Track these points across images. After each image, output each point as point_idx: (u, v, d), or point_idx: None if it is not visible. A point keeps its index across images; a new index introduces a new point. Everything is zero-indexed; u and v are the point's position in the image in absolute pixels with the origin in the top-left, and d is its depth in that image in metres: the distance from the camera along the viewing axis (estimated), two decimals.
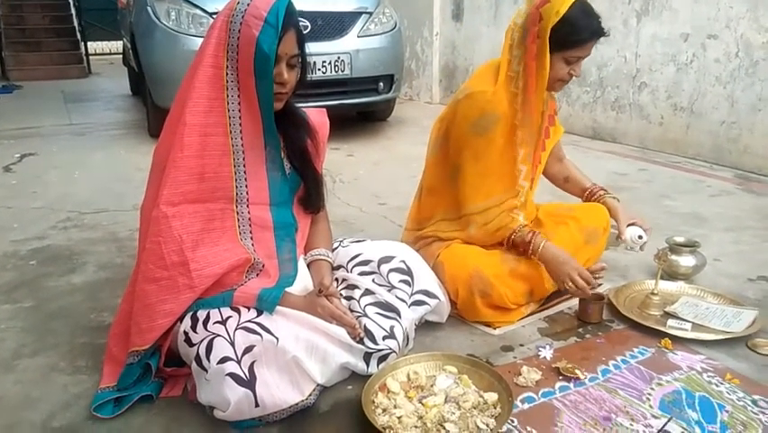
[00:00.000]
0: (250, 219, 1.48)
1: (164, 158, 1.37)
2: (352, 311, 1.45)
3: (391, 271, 1.56)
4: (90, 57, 9.60)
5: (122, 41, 7.19)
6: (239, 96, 1.38)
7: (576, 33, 1.58)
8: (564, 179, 2.04)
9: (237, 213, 1.46)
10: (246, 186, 1.46)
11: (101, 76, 9.04)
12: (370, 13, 4.36)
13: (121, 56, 7.66)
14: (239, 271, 1.42)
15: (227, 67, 1.35)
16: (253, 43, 1.30)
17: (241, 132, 1.41)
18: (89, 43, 9.96)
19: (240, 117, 1.40)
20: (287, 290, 1.43)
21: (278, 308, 1.36)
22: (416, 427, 1.24)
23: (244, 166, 1.44)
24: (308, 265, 1.58)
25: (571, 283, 1.64)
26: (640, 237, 1.84)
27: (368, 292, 1.51)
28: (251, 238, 1.48)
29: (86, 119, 5.42)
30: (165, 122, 1.43)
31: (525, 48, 1.63)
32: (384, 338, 1.42)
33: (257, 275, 1.45)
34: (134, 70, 5.49)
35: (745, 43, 3.38)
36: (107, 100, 6.64)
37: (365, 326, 1.42)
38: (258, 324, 1.30)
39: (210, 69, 1.35)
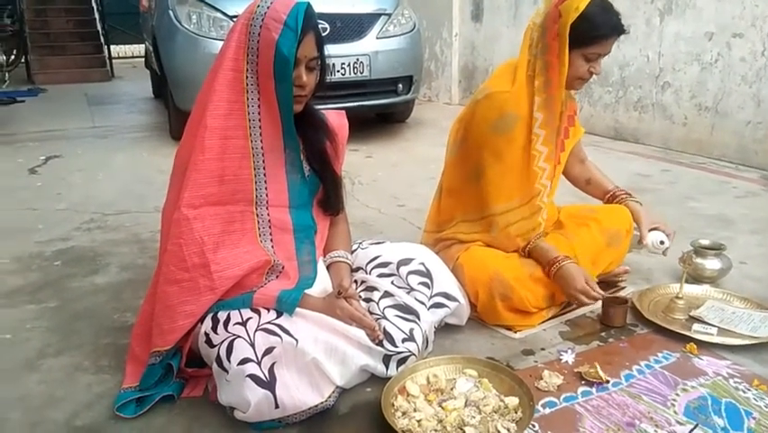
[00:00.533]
0: (269, 221, 1.48)
1: (185, 161, 1.38)
2: (371, 313, 1.45)
3: (410, 273, 1.56)
4: (113, 60, 9.74)
5: (144, 45, 7.29)
6: (258, 99, 1.39)
7: (595, 29, 1.57)
8: (586, 181, 2.01)
9: (257, 215, 1.47)
10: (266, 188, 1.46)
11: (124, 79, 9.17)
12: (389, 15, 4.36)
13: (143, 59, 7.76)
14: (259, 272, 1.43)
15: (247, 70, 1.36)
16: (273, 46, 1.31)
17: (260, 134, 1.42)
18: (112, 47, 10.11)
19: (260, 120, 1.40)
20: (306, 291, 1.43)
21: (298, 309, 1.36)
22: (435, 430, 1.24)
23: (264, 169, 1.45)
24: (328, 267, 1.58)
25: (573, 295, 1.65)
26: (662, 243, 1.81)
27: (387, 294, 1.51)
28: (271, 240, 1.49)
29: (109, 122, 5.50)
30: (186, 125, 1.44)
31: (546, 46, 1.62)
32: (403, 341, 1.41)
33: (276, 277, 1.45)
34: (156, 73, 5.56)
35: None
36: (130, 103, 6.74)
37: (384, 328, 1.42)
38: (278, 325, 1.31)
39: (230, 72, 1.36)
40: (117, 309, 1.86)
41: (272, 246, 1.48)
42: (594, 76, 1.67)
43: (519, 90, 1.66)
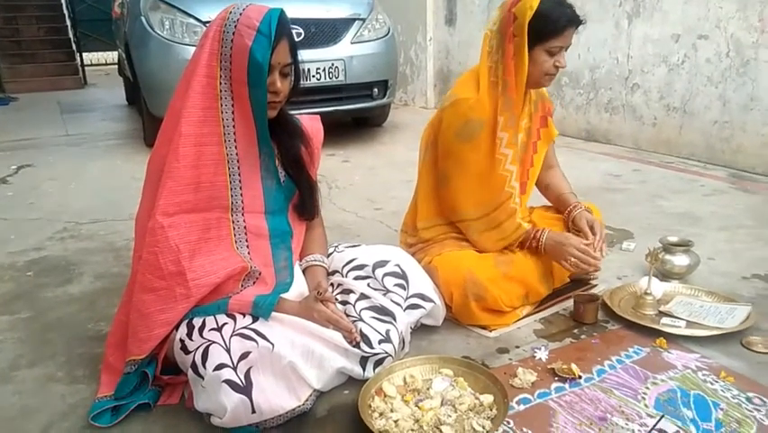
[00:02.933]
0: (245, 228, 1.48)
1: (159, 168, 1.38)
2: (347, 316, 1.46)
3: (386, 275, 1.57)
4: (86, 67, 9.61)
5: (117, 52, 7.21)
6: (233, 105, 1.39)
7: (552, 23, 1.61)
8: (545, 186, 2.01)
9: (233, 222, 1.47)
10: (241, 195, 1.47)
11: (97, 86, 9.05)
12: (364, 20, 4.38)
13: (116, 66, 7.67)
14: (235, 279, 1.43)
15: (220, 76, 1.36)
16: (246, 53, 1.31)
17: (235, 141, 1.42)
18: (85, 54, 9.98)
19: (234, 126, 1.40)
20: (282, 296, 1.43)
21: (274, 314, 1.36)
22: (412, 430, 1.25)
23: (239, 175, 1.45)
24: (304, 271, 1.59)
25: (573, 259, 1.67)
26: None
27: (363, 297, 1.52)
28: (248, 247, 1.49)
29: (82, 130, 5.43)
30: (159, 131, 1.44)
31: (503, 50, 1.66)
32: (380, 342, 1.43)
33: (253, 283, 1.45)
34: (130, 80, 5.51)
35: (736, 43, 3.41)
36: (103, 110, 6.66)
37: (361, 330, 1.43)
38: (253, 330, 1.31)
39: (204, 78, 1.36)
40: (91, 319, 1.85)
41: (248, 253, 1.48)
42: (560, 69, 1.70)
43: (483, 96, 1.69)
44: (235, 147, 1.42)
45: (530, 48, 1.63)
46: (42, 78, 8.69)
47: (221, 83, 1.36)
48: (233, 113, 1.39)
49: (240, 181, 1.45)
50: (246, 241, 1.49)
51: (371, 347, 1.41)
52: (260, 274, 1.46)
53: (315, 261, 1.60)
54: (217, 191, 1.42)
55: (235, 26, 1.32)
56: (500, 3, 1.70)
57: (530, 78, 1.68)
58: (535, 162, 1.90)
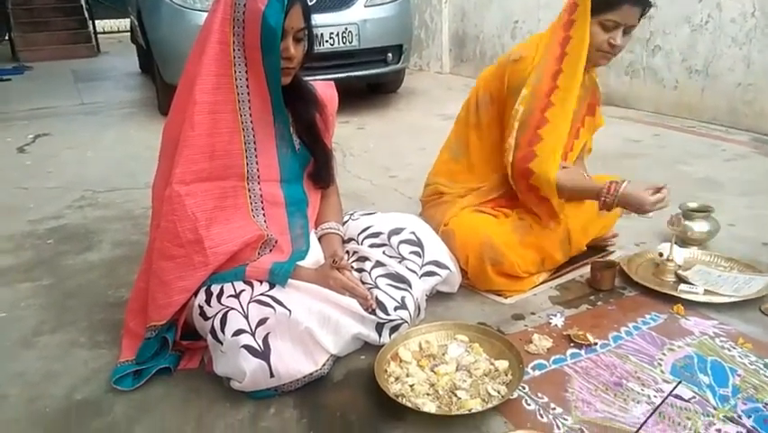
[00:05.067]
0: (261, 196, 1.49)
1: (174, 136, 1.38)
2: (363, 283, 1.47)
3: (402, 242, 1.57)
4: (98, 35, 9.58)
5: (129, 19, 7.16)
6: (246, 71, 1.37)
7: None
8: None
9: (249, 190, 1.47)
10: (257, 163, 1.46)
11: (110, 54, 9.03)
12: None
13: (129, 33, 7.63)
14: (252, 247, 1.44)
15: (234, 42, 1.34)
16: (259, 18, 1.29)
17: (249, 108, 1.41)
18: (97, 22, 9.93)
19: (248, 94, 1.39)
20: (298, 263, 1.44)
21: (291, 281, 1.37)
22: (428, 394, 1.26)
23: (255, 143, 1.44)
24: (319, 239, 1.59)
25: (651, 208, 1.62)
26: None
27: (379, 264, 1.52)
28: (264, 215, 1.49)
29: (96, 98, 5.44)
30: (173, 99, 1.43)
31: (566, 21, 1.62)
32: (395, 309, 1.43)
33: (270, 251, 1.46)
34: (143, 48, 5.48)
35: (762, 2, 3.29)
36: (117, 79, 6.65)
37: (377, 297, 1.43)
38: (271, 297, 1.32)
39: (217, 45, 1.34)
40: (111, 285, 1.88)
41: (265, 221, 1.49)
42: (618, 50, 1.63)
43: (543, 58, 1.65)
44: (250, 115, 1.41)
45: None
46: (56, 46, 8.68)
47: (234, 49, 1.34)
48: (246, 79, 1.38)
49: (255, 149, 1.45)
50: (262, 209, 1.49)
51: (387, 314, 1.42)
52: (276, 242, 1.47)
53: (331, 228, 1.60)
54: (232, 159, 1.42)
55: None
56: None
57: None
58: (575, 147, 1.85)
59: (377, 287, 1.47)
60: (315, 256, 1.53)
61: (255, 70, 1.36)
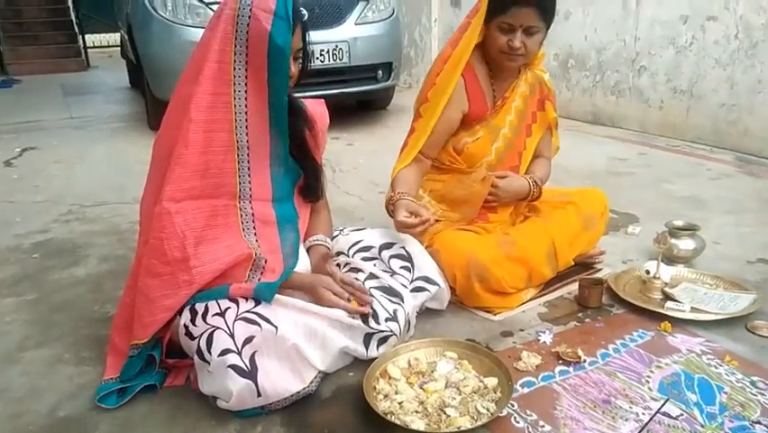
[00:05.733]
0: (253, 215, 1.48)
1: (165, 152, 1.37)
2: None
3: (392, 257, 1.58)
4: (88, 50, 9.57)
5: (119, 33, 7.17)
6: (246, 91, 1.37)
7: None
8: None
9: (240, 209, 1.46)
10: (249, 182, 1.46)
11: (100, 69, 9.01)
12: (368, 1, 4.33)
13: (119, 48, 7.63)
14: (242, 267, 1.42)
15: (235, 62, 1.34)
16: (266, 38, 1.30)
17: (246, 128, 1.40)
18: (87, 36, 9.92)
19: (246, 113, 1.39)
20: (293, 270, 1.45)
21: (277, 297, 1.36)
22: (416, 412, 1.26)
23: (248, 162, 1.44)
24: (307, 250, 1.59)
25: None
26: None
27: (372, 276, 1.53)
28: (255, 234, 1.48)
29: (85, 112, 5.41)
30: (165, 115, 1.43)
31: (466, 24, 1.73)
32: (387, 320, 1.44)
33: (261, 274, 1.43)
34: (133, 63, 5.48)
35: (745, 24, 3.37)
36: (106, 93, 6.64)
37: (371, 304, 1.44)
38: (256, 313, 1.31)
39: (215, 63, 1.34)
40: (97, 301, 1.86)
41: (256, 240, 1.47)
42: (524, 53, 1.68)
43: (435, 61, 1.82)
44: (246, 134, 1.41)
45: (487, 22, 1.68)
46: (45, 60, 8.66)
47: (235, 68, 1.35)
48: (245, 99, 1.38)
49: (248, 168, 1.44)
50: (254, 228, 1.48)
51: (378, 323, 1.42)
52: (266, 262, 1.44)
53: (318, 240, 1.61)
54: (225, 178, 1.41)
55: (250, 9, 1.31)
56: None
57: (489, 54, 1.74)
58: (528, 146, 1.89)
59: (371, 296, 1.47)
60: (304, 267, 1.53)
61: (258, 90, 1.37)
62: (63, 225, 2.55)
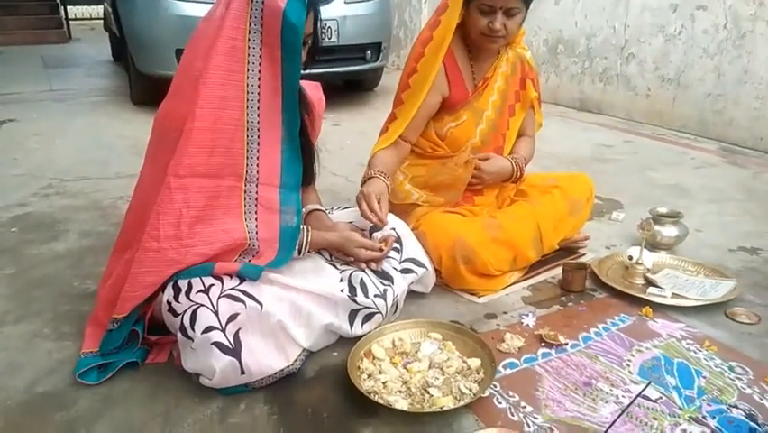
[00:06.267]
0: (257, 200, 1.43)
1: (167, 126, 1.34)
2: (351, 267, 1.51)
3: (382, 238, 1.57)
4: (70, 21, 9.37)
5: (102, 6, 7.01)
6: (260, 71, 1.34)
7: None
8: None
9: (245, 192, 1.41)
10: (257, 165, 1.41)
11: (82, 41, 8.83)
12: None
13: (102, 21, 7.47)
14: (233, 251, 1.38)
15: (249, 40, 1.31)
16: (279, 15, 1.27)
17: (258, 108, 1.37)
18: (69, 8, 9.71)
19: (259, 93, 1.36)
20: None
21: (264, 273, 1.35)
22: (400, 391, 1.26)
23: (258, 144, 1.40)
24: (305, 218, 1.58)
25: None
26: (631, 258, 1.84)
27: None
28: (256, 219, 1.43)
29: (67, 85, 5.31)
30: (170, 88, 1.39)
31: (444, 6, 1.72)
32: (375, 296, 1.44)
33: (250, 260, 1.40)
34: (116, 36, 5.36)
35: (734, 14, 3.38)
36: (88, 66, 6.50)
37: (362, 279, 1.45)
38: (241, 291, 1.29)
39: (229, 40, 1.30)
40: (77, 276, 1.83)
41: (256, 225, 1.43)
42: (504, 34, 1.67)
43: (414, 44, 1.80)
44: (257, 115, 1.37)
45: (467, 4, 1.67)
46: (26, 30, 8.47)
47: (250, 46, 1.31)
48: (259, 79, 1.34)
49: (258, 150, 1.40)
50: (255, 213, 1.43)
51: (366, 297, 1.42)
52: (257, 252, 1.41)
53: (317, 207, 1.62)
54: (232, 158, 1.37)
55: None
56: None
57: (469, 36, 1.73)
58: (512, 126, 1.89)
59: (364, 271, 1.49)
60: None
61: (272, 69, 1.34)
62: (43, 200, 2.51)
